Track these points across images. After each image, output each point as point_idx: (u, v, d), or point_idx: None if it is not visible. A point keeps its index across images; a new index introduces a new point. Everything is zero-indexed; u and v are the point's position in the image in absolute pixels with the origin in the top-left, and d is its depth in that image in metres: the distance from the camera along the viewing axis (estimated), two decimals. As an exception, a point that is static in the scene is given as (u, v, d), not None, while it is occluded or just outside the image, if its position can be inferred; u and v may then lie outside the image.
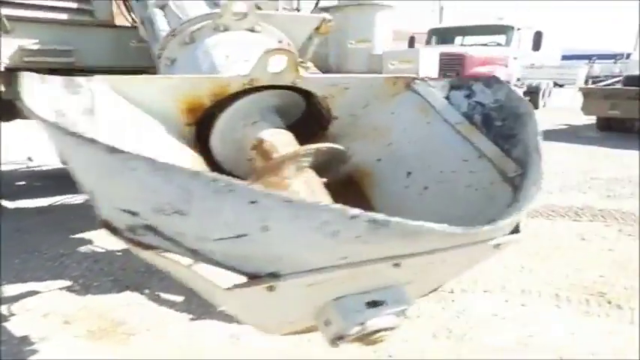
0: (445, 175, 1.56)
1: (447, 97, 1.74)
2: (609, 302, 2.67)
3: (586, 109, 9.05)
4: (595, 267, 3.13)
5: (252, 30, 1.99)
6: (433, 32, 13.18)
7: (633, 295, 2.74)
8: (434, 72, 2.79)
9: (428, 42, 13.12)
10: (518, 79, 13.76)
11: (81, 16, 3.07)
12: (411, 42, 13.41)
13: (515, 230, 1.22)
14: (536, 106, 14.40)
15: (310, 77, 1.67)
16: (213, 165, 1.75)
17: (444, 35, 13.01)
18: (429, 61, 2.64)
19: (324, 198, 1.47)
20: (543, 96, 15.04)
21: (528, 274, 3.03)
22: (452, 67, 10.60)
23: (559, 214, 4.27)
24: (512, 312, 2.59)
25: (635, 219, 4.10)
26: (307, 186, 1.48)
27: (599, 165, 6.36)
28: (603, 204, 4.54)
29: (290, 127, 2.02)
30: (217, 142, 1.73)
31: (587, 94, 9.00)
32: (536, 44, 11.95)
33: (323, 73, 2.95)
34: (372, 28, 2.73)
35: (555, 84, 25.54)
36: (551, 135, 9.11)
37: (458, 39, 12.91)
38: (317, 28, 2.21)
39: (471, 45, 12.01)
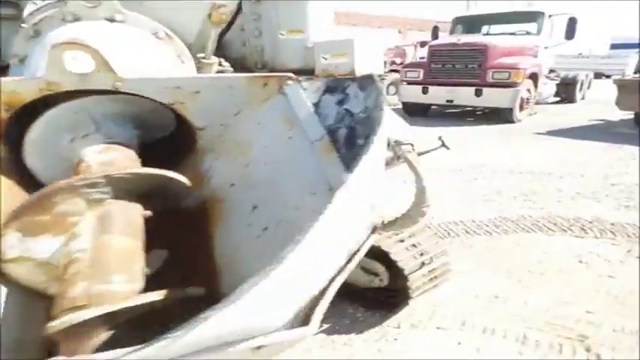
0: (287, 212, 1.17)
1: (318, 103, 1.34)
2: (588, 350, 2.16)
3: (620, 104, 8.16)
4: (585, 299, 2.61)
5: (111, 19, 1.64)
6: (458, 21, 12.40)
7: (622, 341, 2.22)
8: (376, 66, 2.35)
9: (452, 31, 12.37)
10: (552, 71, 12.81)
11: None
12: (435, 32, 12.72)
13: (305, 322, 0.83)
14: (572, 99, 13.33)
15: (140, 79, 1.31)
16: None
17: (469, 24, 12.21)
18: (366, 53, 2.20)
19: (121, 241, 1.12)
20: (581, 88, 13.90)
21: (500, 307, 2.55)
22: (474, 59, 9.93)
23: (561, 227, 3.70)
24: None
25: (653, 236, 3.49)
26: (102, 224, 1.13)
27: (626, 167, 5.64)
28: (617, 216, 3.92)
29: (165, 140, 1.69)
30: (35, 161, 1.40)
31: (621, 86, 8.11)
32: (570, 32, 10.97)
33: (259, 69, 2.57)
34: (304, 16, 2.31)
35: (602, 75, 23.89)
36: (581, 132, 8.30)
37: (485, 28, 12.10)
38: (210, 16, 1.84)
39: (498, 34, 11.20)
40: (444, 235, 3.58)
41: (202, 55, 1.98)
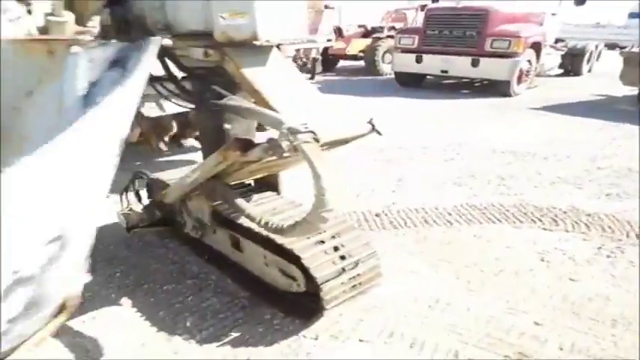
0: None
1: (97, 82, 1.02)
2: (523, 374, 1.89)
3: (625, 78, 7.65)
4: (536, 307, 2.32)
5: None
6: (462, -17, 11.62)
7: (565, 364, 1.94)
8: (291, 30, 1.96)
9: (454, -5, 11.65)
10: (559, 40, 12.12)
11: None
12: (434, -7, 12.02)
13: None
14: (578, 72, 12.68)
15: None
16: None
17: (476, -14, 11.43)
18: (277, 13, 1.82)
19: None
20: (589, 59, 13.20)
21: (438, 314, 2.27)
22: (473, 25, 9.32)
23: (531, 218, 3.38)
24: (377, 380, 1.88)
25: (630, 231, 3.16)
26: None
27: (617, 149, 5.25)
28: (596, 206, 3.59)
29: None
30: None
31: (627, 59, 7.57)
32: (581, -3, 10.25)
33: (160, 31, 2.19)
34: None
35: (616, 46, 22.86)
36: (579, 108, 7.83)
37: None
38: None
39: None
40: (399, 225, 3.27)
41: (50, 12, 1.62)
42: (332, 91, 10.07)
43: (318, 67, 12.67)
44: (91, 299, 2.39)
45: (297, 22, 1.91)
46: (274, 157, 1.64)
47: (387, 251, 2.86)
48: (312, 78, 12.16)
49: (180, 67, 2.00)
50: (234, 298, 2.38)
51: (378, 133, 2.05)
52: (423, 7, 14.66)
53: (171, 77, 2.00)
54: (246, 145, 1.69)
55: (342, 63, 14.69)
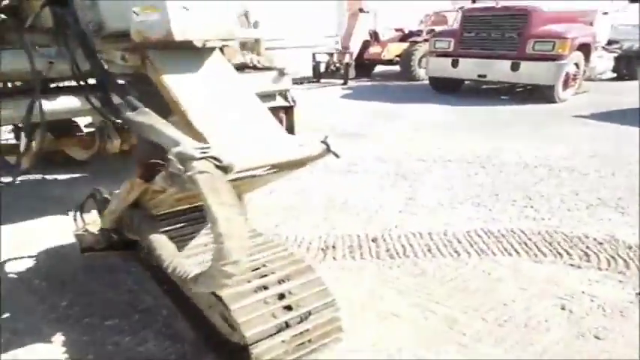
0: None
1: None
2: None
3: (687, 82, 6.74)
4: (545, 375, 1.83)
5: None
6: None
7: None
8: (213, 26, 1.60)
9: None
10: (613, 42, 11.10)
11: None
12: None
13: None
14: (634, 76, 11.52)
15: None
16: None
17: (518, -15, 10.66)
18: (192, 6, 1.48)
19: None
20: (649, 61, 11.99)
21: (416, 377, 1.83)
22: (513, 26, 8.64)
23: (556, 250, 2.84)
24: None
25: (682, 272, 2.56)
26: None
27: (675, 165, 4.51)
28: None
29: None
30: None
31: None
32: (637, -6, 9.29)
33: (95, 33, 1.90)
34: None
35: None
36: (630, 115, 6.97)
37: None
38: None
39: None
40: (397, 254, 2.83)
41: None
42: (358, 97, 9.69)
43: (352, 73, 12.34)
44: (22, 334, 2.13)
45: (228, 18, 1.55)
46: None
47: (372, 288, 2.45)
48: (344, 83, 11.84)
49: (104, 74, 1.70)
50: (175, 342, 2.05)
51: (335, 155, 1.66)
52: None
53: (100, 85, 1.71)
54: (152, 172, 1.36)
55: (378, 68, 14.24)
